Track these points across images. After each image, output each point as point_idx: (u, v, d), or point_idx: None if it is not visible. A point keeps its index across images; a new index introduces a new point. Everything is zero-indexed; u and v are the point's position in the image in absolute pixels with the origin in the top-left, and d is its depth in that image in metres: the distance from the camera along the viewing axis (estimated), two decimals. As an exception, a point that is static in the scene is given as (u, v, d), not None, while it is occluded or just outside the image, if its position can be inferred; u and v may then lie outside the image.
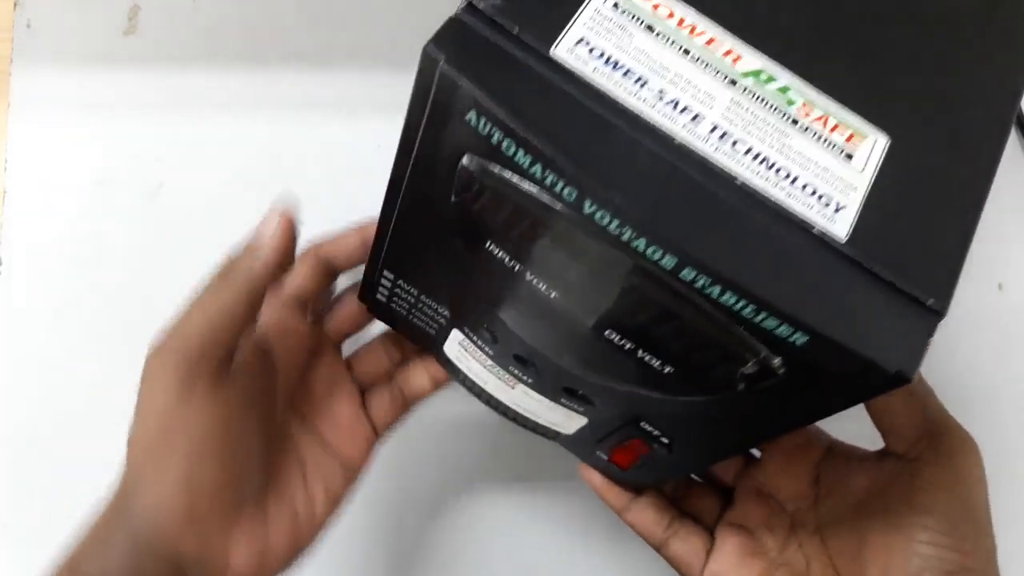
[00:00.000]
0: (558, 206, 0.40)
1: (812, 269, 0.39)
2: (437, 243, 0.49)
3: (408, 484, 0.80)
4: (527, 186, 0.40)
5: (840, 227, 0.39)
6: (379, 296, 0.60)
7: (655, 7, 0.41)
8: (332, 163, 0.84)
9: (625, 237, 0.38)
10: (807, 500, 0.60)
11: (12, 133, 0.84)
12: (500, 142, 0.39)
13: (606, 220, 0.38)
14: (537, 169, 0.39)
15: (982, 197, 0.42)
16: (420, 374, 0.65)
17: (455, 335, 0.57)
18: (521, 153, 0.39)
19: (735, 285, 0.38)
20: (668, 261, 0.38)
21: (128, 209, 0.80)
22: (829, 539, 0.58)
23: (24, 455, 0.77)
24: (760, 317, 0.38)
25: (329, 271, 0.61)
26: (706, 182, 0.39)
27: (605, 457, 0.60)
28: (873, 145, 0.41)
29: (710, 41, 0.41)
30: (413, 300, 0.58)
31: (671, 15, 0.41)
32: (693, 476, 0.67)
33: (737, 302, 0.38)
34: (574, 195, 0.38)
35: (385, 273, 0.56)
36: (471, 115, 0.39)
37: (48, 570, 0.51)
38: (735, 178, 0.39)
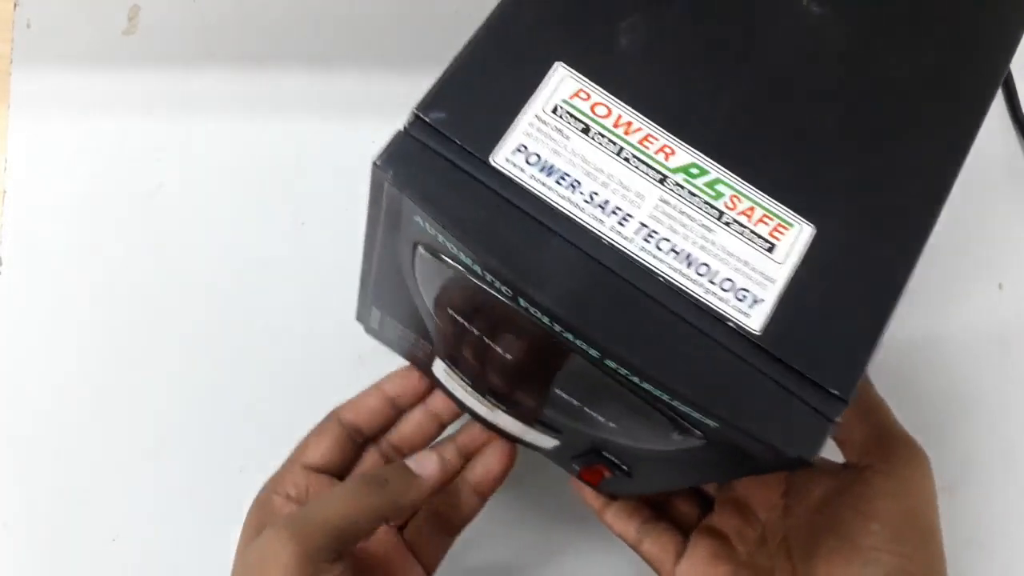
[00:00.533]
0: (499, 297, 0.44)
1: (725, 361, 0.43)
2: (409, 295, 0.55)
3: None
4: (471, 278, 0.45)
5: (755, 320, 0.43)
6: (372, 323, 0.66)
7: (593, 107, 0.45)
8: (332, 163, 0.86)
9: (556, 329, 0.43)
10: (777, 509, 0.64)
11: (12, 133, 0.86)
12: (445, 243, 0.43)
13: (538, 315, 0.43)
14: (477, 269, 0.43)
15: (901, 283, 0.46)
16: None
17: (439, 363, 0.63)
18: (463, 255, 0.43)
19: (650, 377, 0.42)
20: (594, 352, 0.43)
21: (128, 209, 0.83)
22: (793, 546, 0.62)
23: (24, 455, 0.80)
24: (676, 403, 0.43)
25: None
26: (630, 280, 0.43)
27: (578, 470, 0.65)
28: (797, 236, 0.45)
29: (645, 138, 0.45)
30: (400, 332, 0.64)
31: (608, 114, 0.45)
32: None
33: (654, 389, 0.43)
34: (510, 293, 0.43)
35: (374, 308, 0.63)
36: (418, 219, 0.43)
37: None
38: (658, 275, 0.43)
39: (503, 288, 0.43)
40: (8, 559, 0.78)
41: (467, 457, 0.67)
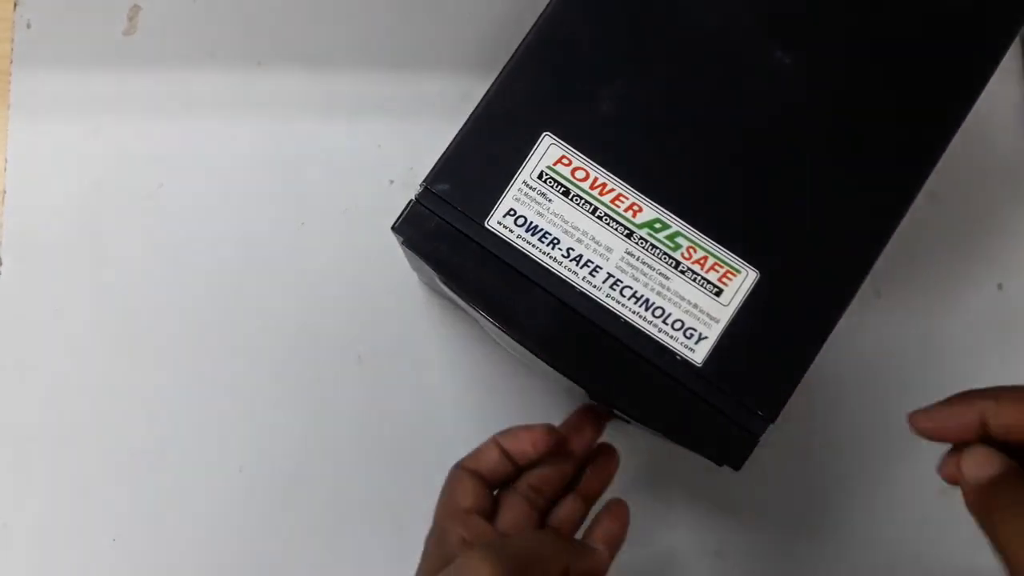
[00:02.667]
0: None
1: (670, 387, 0.58)
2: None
3: (408, 485, 0.87)
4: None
5: (699, 354, 0.58)
6: (424, 279, 0.84)
7: (574, 171, 0.59)
8: (332, 163, 0.93)
9: (541, 357, 0.60)
10: None
11: (12, 133, 0.94)
12: (451, 287, 0.60)
13: (525, 344, 0.59)
14: (476, 307, 0.60)
15: (831, 322, 0.58)
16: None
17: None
18: (464, 298, 0.60)
19: (611, 399, 0.59)
20: (569, 375, 0.60)
21: (128, 209, 0.89)
22: None
23: (24, 455, 0.87)
24: (631, 417, 0.62)
25: None
26: (597, 321, 0.58)
27: None
28: (743, 281, 0.59)
29: (616, 197, 0.59)
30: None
31: (587, 177, 0.59)
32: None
33: (622, 409, 0.61)
34: (503, 328, 0.59)
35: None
36: (430, 267, 0.60)
37: None
38: (619, 317, 0.58)
39: (497, 323, 0.59)
40: (8, 559, 0.86)
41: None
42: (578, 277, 0.58)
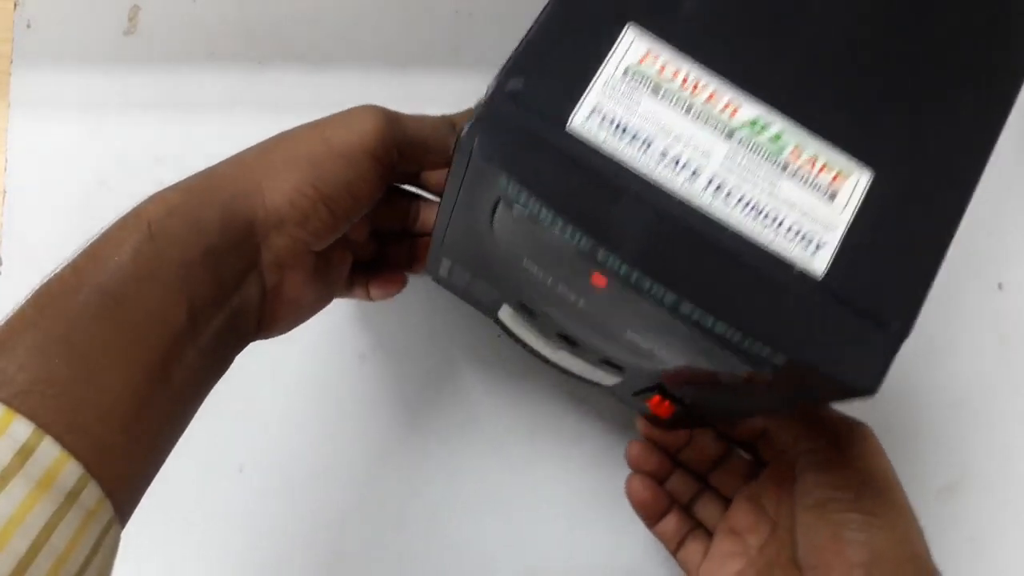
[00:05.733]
0: (577, 251, 0.49)
1: (792, 301, 0.49)
2: (484, 247, 0.60)
3: (409, 485, 0.86)
4: (549, 232, 0.50)
5: (819, 263, 0.49)
6: (442, 272, 0.72)
7: (661, 68, 0.50)
8: None
9: (633, 279, 0.48)
10: (787, 503, 0.71)
11: (12, 133, 0.90)
12: (525, 202, 0.49)
13: (616, 266, 0.48)
14: (558, 225, 0.49)
15: (953, 224, 0.51)
16: None
17: (506, 308, 0.70)
18: (544, 212, 0.48)
19: (724, 319, 0.48)
20: (669, 298, 0.48)
21: (128, 209, 0.81)
22: (791, 533, 0.69)
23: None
24: (746, 343, 0.48)
25: None
26: (702, 231, 0.48)
27: (641, 404, 0.73)
28: (856, 184, 0.50)
29: (710, 96, 0.50)
30: (468, 280, 0.70)
31: (676, 74, 0.50)
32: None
33: (727, 330, 0.48)
34: (588, 246, 0.48)
35: (444, 259, 0.69)
36: (502, 181, 0.49)
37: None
38: (727, 226, 0.49)
39: (582, 243, 0.48)
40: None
41: None
42: (677, 182, 0.48)
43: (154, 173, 0.86)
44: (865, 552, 0.61)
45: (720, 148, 0.50)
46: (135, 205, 0.59)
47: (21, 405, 0.49)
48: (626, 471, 0.81)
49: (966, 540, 0.77)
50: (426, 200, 0.77)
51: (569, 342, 0.67)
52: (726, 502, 0.77)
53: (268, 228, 0.61)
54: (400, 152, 0.64)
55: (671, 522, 0.77)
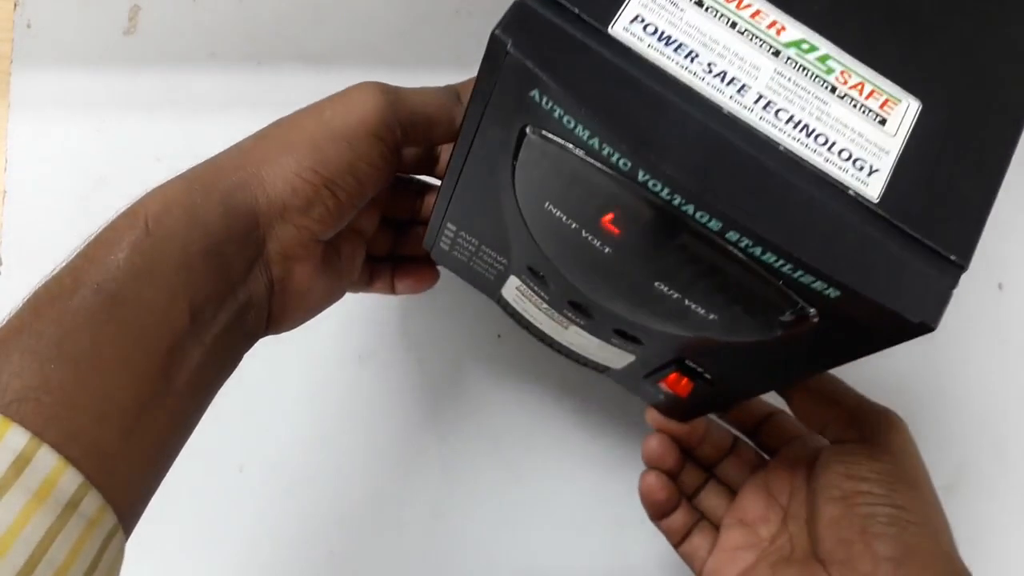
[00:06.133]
0: (615, 174, 0.45)
1: (846, 229, 0.44)
2: (498, 201, 0.56)
3: (408, 485, 0.86)
4: (584, 156, 0.46)
5: (872, 189, 0.45)
6: (442, 244, 0.68)
7: None
8: None
9: (676, 203, 0.44)
10: (799, 492, 0.69)
11: (12, 133, 0.90)
12: (561, 117, 0.45)
13: (658, 187, 0.44)
14: (595, 142, 0.44)
15: (1006, 158, 0.48)
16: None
17: (512, 281, 0.65)
18: (580, 127, 0.44)
19: (775, 246, 0.44)
20: (715, 224, 0.44)
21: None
22: (809, 524, 0.66)
23: None
24: (797, 274, 0.44)
25: None
26: (751, 150, 0.44)
27: (652, 390, 0.69)
28: (906, 110, 0.47)
29: (755, 13, 0.47)
30: (473, 249, 0.65)
31: None
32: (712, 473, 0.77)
33: (777, 260, 0.44)
34: (629, 166, 0.44)
35: (448, 225, 0.64)
36: (535, 93, 0.45)
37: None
38: (778, 145, 0.45)
39: (622, 162, 0.44)
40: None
41: None
42: (724, 96, 0.45)
43: (154, 173, 0.84)
44: (896, 546, 0.59)
45: (767, 65, 0.46)
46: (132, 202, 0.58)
47: (16, 413, 0.47)
48: (626, 471, 0.80)
49: (964, 540, 0.76)
50: (435, 189, 0.75)
51: (581, 312, 0.62)
52: (730, 492, 0.75)
53: (272, 218, 0.59)
54: (404, 128, 0.61)
55: (679, 516, 0.74)
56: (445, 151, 0.70)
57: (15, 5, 0.91)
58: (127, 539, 0.53)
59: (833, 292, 0.44)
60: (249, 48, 0.91)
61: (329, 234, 0.62)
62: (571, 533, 0.85)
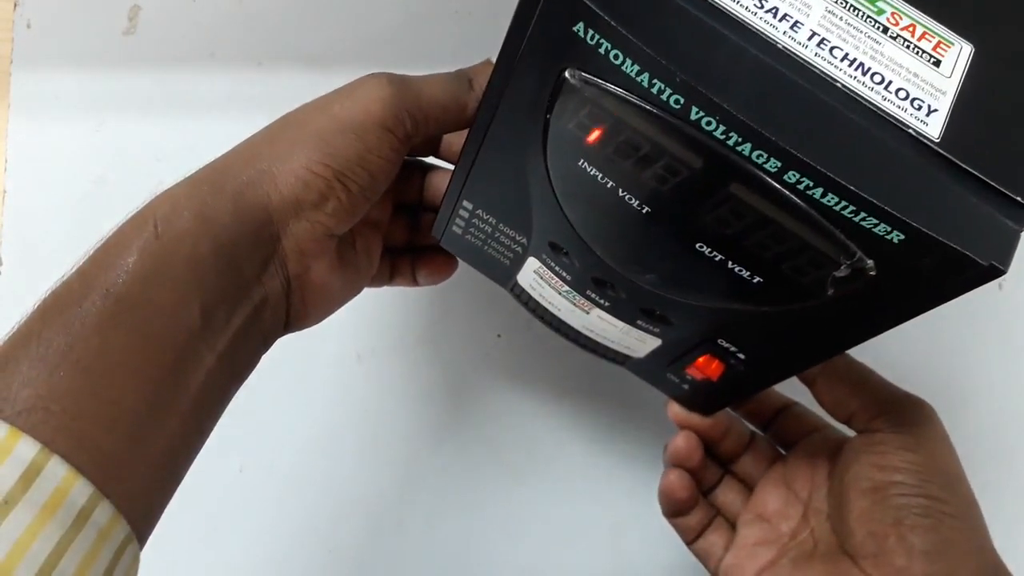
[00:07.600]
0: (664, 115, 0.42)
1: (909, 169, 0.42)
2: (523, 168, 0.53)
3: (408, 485, 0.86)
4: (631, 97, 0.43)
5: (933, 128, 0.42)
6: (455, 228, 0.64)
7: None
8: None
9: (731, 142, 0.41)
10: (821, 487, 0.67)
11: (12, 133, 0.89)
12: (608, 52, 0.42)
13: (712, 126, 0.41)
14: (645, 78, 0.42)
15: None
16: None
17: (531, 263, 0.61)
18: (629, 63, 0.41)
19: (837, 185, 0.41)
20: (772, 164, 0.41)
21: (128, 209, 0.81)
22: (834, 518, 0.64)
23: None
24: (860, 216, 0.42)
25: None
26: (809, 86, 0.42)
27: (676, 380, 0.65)
28: (959, 53, 0.44)
29: None
30: (490, 230, 0.62)
31: None
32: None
33: (838, 203, 0.42)
34: (681, 103, 0.41)
35: (464, 203, 0.61)
36: (579, 26, 0.42)
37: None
38: (836, 82, 0.42)
39: (673, 99, 0.42)
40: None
41: None
42: (778, 31, 0.42)
43: (154, 173, 0.84)
44: (932, 539, 0.57)
45: (819, 3, 0.44)
46: (141, 205, 0.56)
47: (26, 423, 0.46)
48: (626, 471, 0.80)
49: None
50: (437, 169, 0.73)
51: (606, 290, 0.59)
52: (746, 488, 0.72)
53: (285, 214, 0.57)
54: (413, 119, 0.60)
55: (695, 513, 0.71)
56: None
57: (15, 5, 0.89)
58: (142, 548, 0.51)
59: (897, 236, 0.42)
60: (249, 48, 0.90)
61: (343, 228, 0.60)
62: (571, 533, 0.84)
